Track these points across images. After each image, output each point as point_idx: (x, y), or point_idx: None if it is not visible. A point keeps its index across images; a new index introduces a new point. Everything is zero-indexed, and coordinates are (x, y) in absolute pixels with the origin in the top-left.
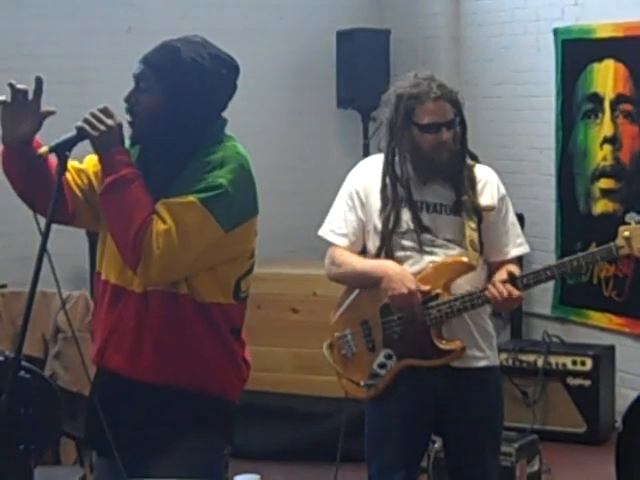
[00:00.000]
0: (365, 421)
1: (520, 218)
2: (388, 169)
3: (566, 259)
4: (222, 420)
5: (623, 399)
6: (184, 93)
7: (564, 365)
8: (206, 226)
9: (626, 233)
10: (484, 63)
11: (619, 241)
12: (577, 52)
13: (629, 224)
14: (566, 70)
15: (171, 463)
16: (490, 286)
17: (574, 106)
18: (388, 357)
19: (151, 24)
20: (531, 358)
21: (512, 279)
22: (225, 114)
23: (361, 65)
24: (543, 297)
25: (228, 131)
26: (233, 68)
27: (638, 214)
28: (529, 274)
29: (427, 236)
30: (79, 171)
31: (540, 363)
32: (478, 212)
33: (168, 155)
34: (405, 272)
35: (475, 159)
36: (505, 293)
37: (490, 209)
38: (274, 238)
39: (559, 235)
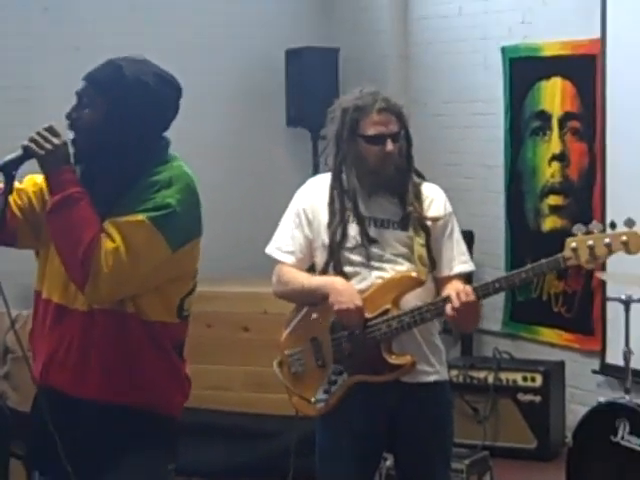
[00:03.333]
0: (316, 439)
1: (469, 235)
2: (336, 183)
3: (515, 271)
4: (167, 437)
5: (573, 414)
6: (126, 110)
7: (514, 381)
8: (155, 245)
9: (573, 244)
10: (433, 81)
11: (567, 252)
12: (525, 70)
13: (576, 235)
14: (514, 88)
15: None
16: (452, 292)
17: (522, 123)
18: (338, 373)
19: (99, 43)
20: (482, 375)
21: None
22: (175, 133)
23: (310, 83)
24: (493, 314)
25: (177, 150)
26: (175, 88)
27: (585, 225)
28: (477, 287)
29: (375, 251)
30: (19, 191)
31: (491, 379)
32: (425, 227)
33: (111, 173)
34: (353, 288)
35: (421, 177)
36: (464, 297)
37: (437, 220)
38: (224, 256)
39: (509, 252)
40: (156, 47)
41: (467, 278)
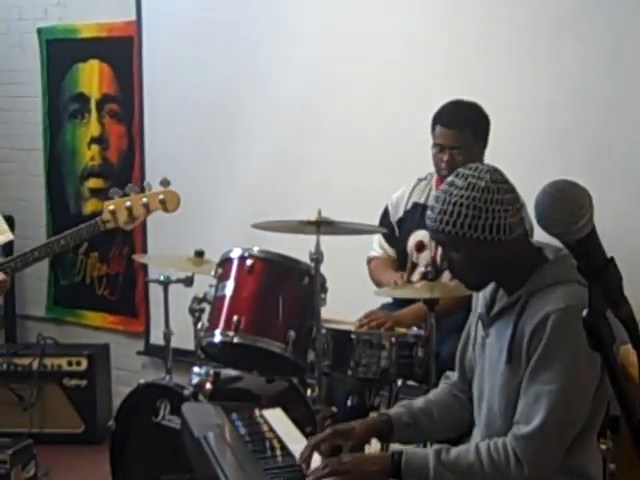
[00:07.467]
0: None
1: (10, 220)
2: None
3: (53, 238)
4: None
5: (119, 397)
6: None
7: (59, 366)
8: None
9: (111, 207)
10: None
11: (105, 215)
12: (62, 52)
13: (113, 198)
14: (51, 70)
15: None
16: None
17: (61, 106)
18: None
19: None
20: (26, 361)
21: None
22: None
23: None
24: (37, 298)
25: None
26: None
27: (121, 189)
28: (15, 258)
29: None
30: None
31: (35, 365)
32: None
33: None
34: None
35: None
36: None
37: None
38: None
39: (51, 236)
40: None
41: (9, 248)
